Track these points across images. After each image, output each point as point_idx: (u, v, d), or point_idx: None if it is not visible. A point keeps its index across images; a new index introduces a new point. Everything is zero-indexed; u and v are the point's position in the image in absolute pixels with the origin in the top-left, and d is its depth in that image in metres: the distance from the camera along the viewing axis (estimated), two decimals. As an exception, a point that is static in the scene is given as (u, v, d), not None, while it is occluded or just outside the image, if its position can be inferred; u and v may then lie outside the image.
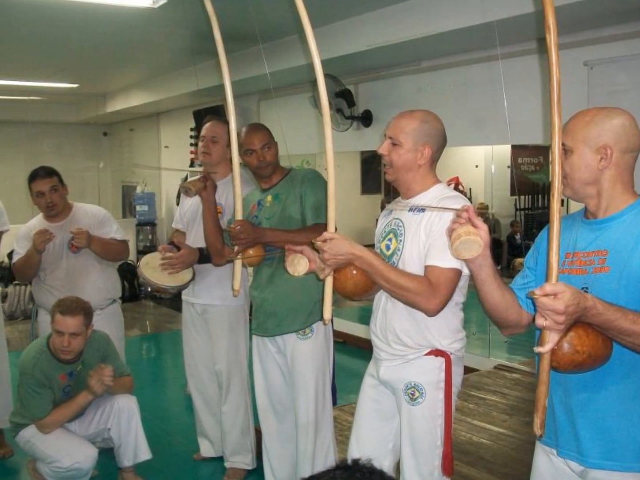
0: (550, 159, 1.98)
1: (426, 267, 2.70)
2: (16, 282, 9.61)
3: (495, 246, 8.98)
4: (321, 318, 3.04)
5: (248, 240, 3.66)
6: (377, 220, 3.13)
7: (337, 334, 5.08)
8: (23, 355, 4.26)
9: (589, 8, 4.47)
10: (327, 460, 3.86)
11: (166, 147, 12.03)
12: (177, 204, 5.76)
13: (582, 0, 4.25)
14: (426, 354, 2.80)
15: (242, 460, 4.61)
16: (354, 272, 2.77)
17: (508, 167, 9.16)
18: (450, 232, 2.18)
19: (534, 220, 9.97)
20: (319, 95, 2.88)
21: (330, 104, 3.10)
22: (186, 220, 4.63)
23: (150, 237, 11.54)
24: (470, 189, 9.86)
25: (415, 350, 2.81)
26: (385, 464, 2.96)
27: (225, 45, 3.54)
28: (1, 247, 5.02)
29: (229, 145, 3.96)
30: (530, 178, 9.81)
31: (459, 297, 2.83)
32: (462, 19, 4.96)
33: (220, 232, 4.09)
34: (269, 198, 3.91)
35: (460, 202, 2.66)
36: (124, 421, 4.35)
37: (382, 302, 2.92)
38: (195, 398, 4.83)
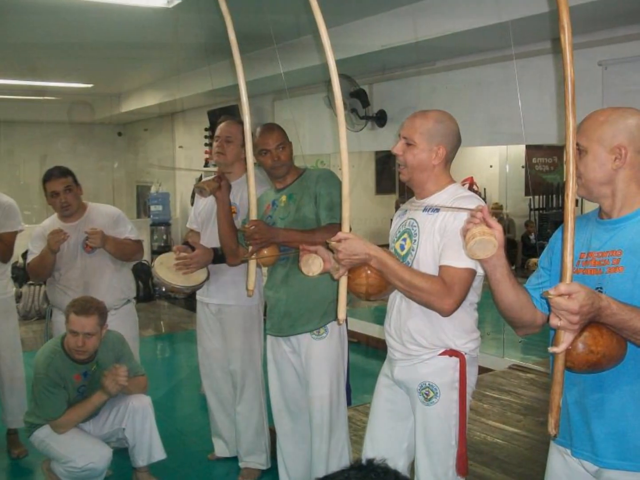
0: (564, 159, 1.98)
1: (440, 267, 2.69)
2: (30, 282, 9.63)
3: (510, 246, 8.95)
4: (335, 318, 3.05)
5: (262, 240, 3.66)
6: (391, 220, 3.12)
7: (351, 334, 5.09)
8: (37, 355, 4.27)
9: (603, 8, 4.46)
10: (341, 460, 3.86)
11: (180, 147, 12.06)
12: (192, 204, 5.77)
13: (597, 0, 4.24)
14: (440, 354, 2.80)
15: (256, 460, 4.61)
16: (369, 272, 2.77)
17: (522, 167, 9.14)
18: (465, 232, 2.18)
19: (549, 220, 9.93)
20: (334, 95, 2.88)
21: (344, 104, 3.09)
22: (200, 220, 4.63)
23: (164, 237, 11.55)
24: (484, 189, 9.83)
25: (429, 350, 2.81)
26: (399, 464, 2.95)
27: (239, 45, 3.54)
28: (15, 247, 5.02)
29: (243, 145, 3.97)
30: (544, 178, 9.78)
31: (474, 297, 2.82)
32: (476, 19, 4.96)
33: (235, 232, 4.09)
34: (284, 198, 3.91)
35: (474, 202, 2.65)
36: (139, 421, 4.36)
37: (397, 302, 2.92)
38: (210, 398, 4.83)
